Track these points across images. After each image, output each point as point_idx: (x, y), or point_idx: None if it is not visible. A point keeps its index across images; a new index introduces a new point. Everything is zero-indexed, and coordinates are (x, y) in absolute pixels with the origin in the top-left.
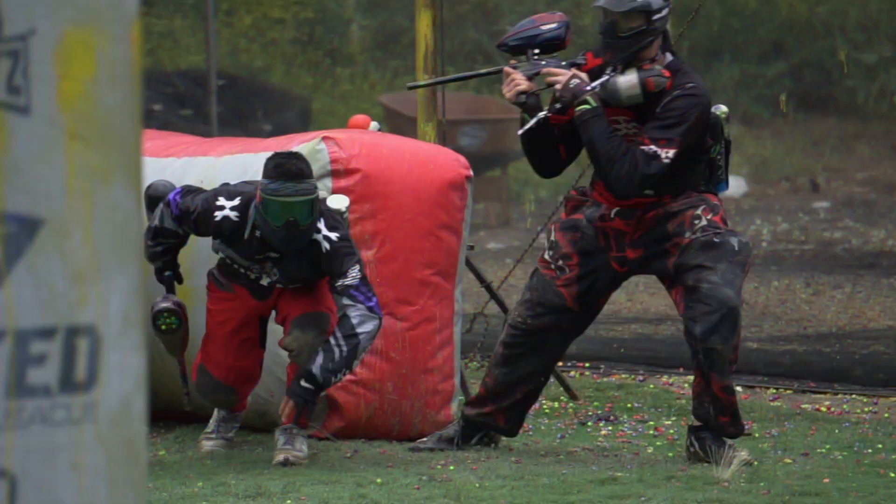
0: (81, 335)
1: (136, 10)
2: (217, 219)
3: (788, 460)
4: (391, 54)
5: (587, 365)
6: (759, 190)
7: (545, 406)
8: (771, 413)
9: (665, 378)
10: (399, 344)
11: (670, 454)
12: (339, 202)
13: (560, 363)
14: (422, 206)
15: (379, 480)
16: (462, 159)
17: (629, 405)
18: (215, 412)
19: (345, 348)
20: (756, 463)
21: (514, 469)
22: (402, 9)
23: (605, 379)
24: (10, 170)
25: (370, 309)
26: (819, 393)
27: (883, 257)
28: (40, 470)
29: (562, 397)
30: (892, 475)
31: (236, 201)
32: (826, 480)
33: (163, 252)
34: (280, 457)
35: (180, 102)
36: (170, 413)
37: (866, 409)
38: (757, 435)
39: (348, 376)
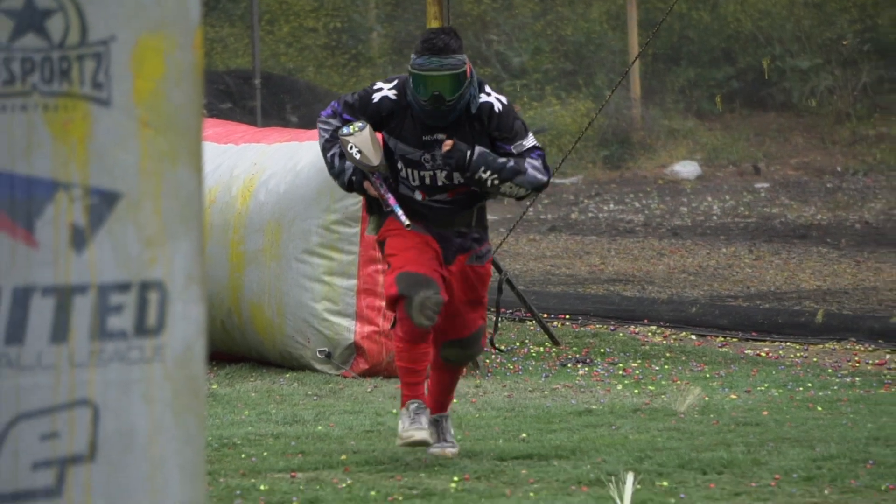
0: (152, 289)
1: (198, 20)
2: (375, 100)
3: (734, 396)
4: (405, 58)
5: (568, 317)
6: (710, 173)
7: (532, 351)
8: (720, 357)
9: (632, 328)
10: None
11: (636, 391)
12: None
13: (545, 315)
14: None
15: (394, 411)
16: None
17: (602, 350)
18: (405, 412)
19: (532, 166)
20: (707, 398)
21: (506, 402)
22: (415, 19)
23: (582, 329)
24: (94, 152)
25: (547, 171)
26: (759, 341)
27: (813, 229)
28: (117, 400)
29: (546, 343)
30: (819, 409)
31: (393, 82)
32: (765, 413)
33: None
34: (436, 450)
35: (226, 97)
36: (221, 354)
37: (798, 355)
38: (708, 375)
39: (371, 328)
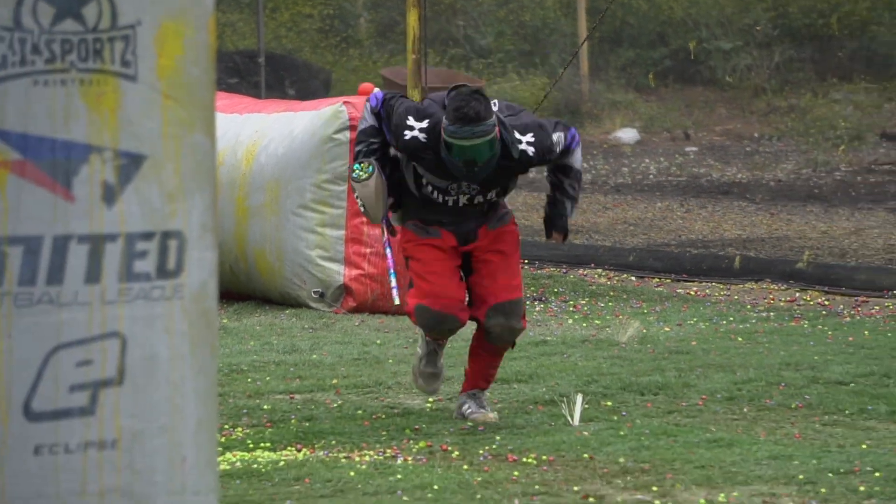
0: (172, 238)
1: (212, 7)
2: (406, 137)
3: (667, 328)
4: (388, 40)
5: (526, 262)
6: (647, 138)
7: None
8: (655, 296)
9: (581, 271)
10: (397, 250)
11: (584, 324)
12: None
13: None
14: None
15: (378, 342)
16: None
17: (555, 290)
18: (420, 350)
19: (579, 192)
20: (645, 330)
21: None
22: (397, 7)
23: (538, 271)
24: (123, 121)
25: (578, 144)
26: (689, 282)
27: (734, 186)
28: (143, 332)
29: None
30: (740, 339)
31: (425, 123)
32: (693, 343)
33: (371, 152)
34: (478, 417)
35: (234, 73)
36: (230, 293)
37: (721, 293)
38: (645, 311)
39: (357, 271)
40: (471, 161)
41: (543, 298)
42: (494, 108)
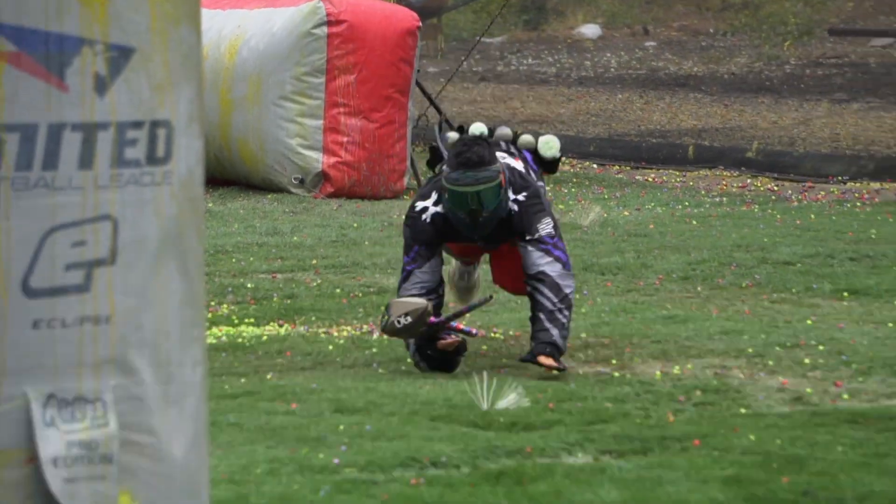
0: (160, 127)
1: None
2: (427, 220)
3: (626, 213)
4: None
5: None
6: (608, 34)
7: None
8: (616, 182)
9: None
10: (371, 138)
11: None
12: (477, 128)
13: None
14: (387, 45)
15: (355, 225)
16: (414, 14)
17: None
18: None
19: (566, 312)
20: (605, 215)
21: None
22: None
23: None
24: (113, 15)
25: (564, 265)
26: (647, 169)
27: (690, 79)
28: (133, 215)
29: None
30: (694, 222)
31: (433, 197)
32: (651, 226)
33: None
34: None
35: None
36: (215, 179)
37: (678, 180)
38: (606, 196)
39: (335, 159)
40: (475, 210)
41: None
42: (503, 161)
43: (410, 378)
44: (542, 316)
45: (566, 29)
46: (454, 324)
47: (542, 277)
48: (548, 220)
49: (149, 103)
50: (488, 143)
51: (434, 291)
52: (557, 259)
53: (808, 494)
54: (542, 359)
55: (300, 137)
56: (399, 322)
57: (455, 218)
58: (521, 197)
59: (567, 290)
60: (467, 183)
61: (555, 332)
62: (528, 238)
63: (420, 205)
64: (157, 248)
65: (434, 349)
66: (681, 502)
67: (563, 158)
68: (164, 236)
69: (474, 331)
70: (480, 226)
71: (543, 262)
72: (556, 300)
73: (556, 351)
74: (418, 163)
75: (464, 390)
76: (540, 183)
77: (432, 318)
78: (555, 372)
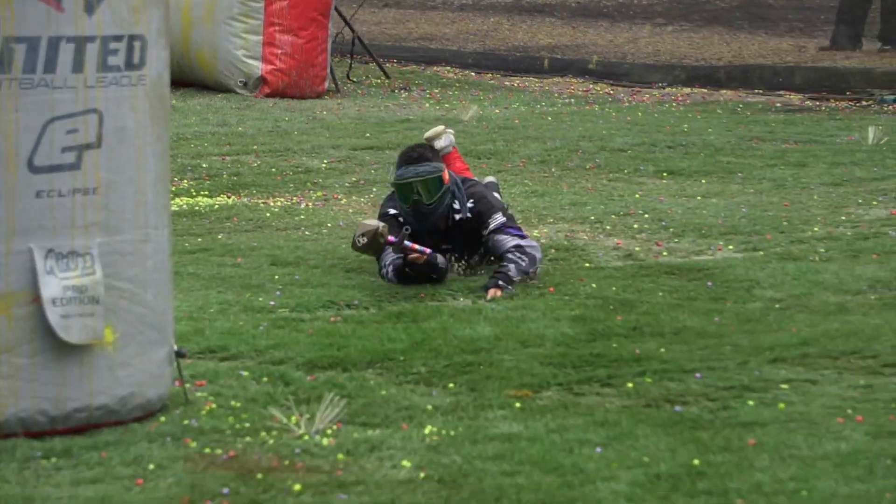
0: (136, 40)
1: None
2: (390, 213)
3: (497, 110)
4: None
5: (395, 60)
6: None
7: (373, 82)
8: (489, 86)
9: (435, 68)
10: (300, 51)
11: (437, 107)
12: (444, 141)
13: (381, 59)
14: None
15: (287, 119)
16: None
17: (417, 82)
18: None
19: (531, 268)
20: (481, 112)
21: (357, 114)
22: None
23: (404, 68)
24: None
25: (523, 237)
26: (513, 76)
27: (545, 7)
28: (115, 109)
29: (381, 77)
30: (549, 118)
31: (393, 200)
32: (516, 121)
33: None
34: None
35: None
36: (177, 82)
37: (536, 85)
38: (482, 98)
39: (271, 66)
40: (417, 200)
41: (407, 88)
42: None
43: (330, 238)
44: (503, 262)
45: None
46: (408, 244)
47: (511, 249)
48: (497, 214)
49: (127, 21)
50: (433, 148)
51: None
52: (519, 237)
53: (636, 329)
54: (491, 292)
55: (244, 49)
56: (359, 242)
57: (405, 214)
58: (470, 203)
59: (535, 252)
60: (409, 176)
61: (512, 267)
62: (486, 231)
63: (392, 211)
64: (134, 135)
65: (409, 266)
66: (539, 335)
67: (449, 67)
68: (139, 126)
69: (428, 250)
70: (424, 216)
71: (510, 243)
72: (518, 255)
73: (506, 280)
74: (336, 70)
75: None
76: (487, 180)
77: (390, 238)
78: (501, 295)
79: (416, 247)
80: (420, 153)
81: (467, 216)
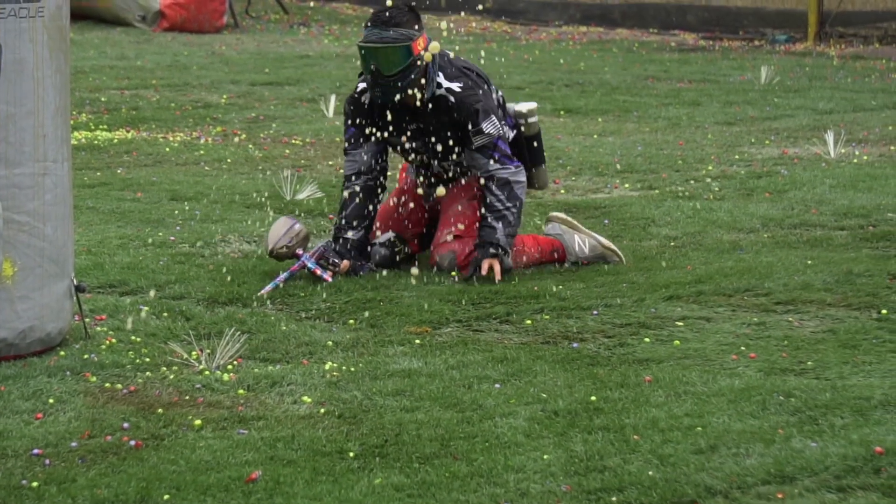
0: None
1: None
2: (364, 101)
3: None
4: None
5: None
6: None
7: (272, 17)
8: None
9: (334, 3)
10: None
11: (336, 43)
12: (526, 105)
13: None
14: None
15: (186, 53)
16: None
17: (316, 18)
18: None
19: (514, 210)
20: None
21: (256, 49)
22: None
23: (302, 3)
24: None
25: (514, 164)
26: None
27: None
28: (14, 41)
29: (280, 12)
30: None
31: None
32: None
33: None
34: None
35: None
36: (76, 15)
37: (434, 23)
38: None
39: (170, 0)
40: (376, 71)
41: (307, 24)
42: (437, 48)
43: (230, 175)
44: (488, 215)
45: None
46: (312, 267)
47: (492, 177)
48: (492, 119)
49: None
50: (413, 11)
51: (366, 174)
52: (505, 160)
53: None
54: (485, 266)
55: None
56: (271, 252)
57: (366, 83)
58: (455, 86)
59: (517, 189)
60: (371, 40)
61: (499, 227)
62: (473, 138)
63: (361, 86)
64: (33, 68)
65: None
66: (437, 272)
67: (347, 3)
68: (38, 58)
69: (328, 277)
70: (384, 90)
71: (493, 167)
72: (503, 197)
73: (497, 250)
74: (235, 5)
75: (272, 184)
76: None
77: (298, 251)
78: (499, 268)
79: (318, 272)
80: (392, 15)
81: (450, 101)
